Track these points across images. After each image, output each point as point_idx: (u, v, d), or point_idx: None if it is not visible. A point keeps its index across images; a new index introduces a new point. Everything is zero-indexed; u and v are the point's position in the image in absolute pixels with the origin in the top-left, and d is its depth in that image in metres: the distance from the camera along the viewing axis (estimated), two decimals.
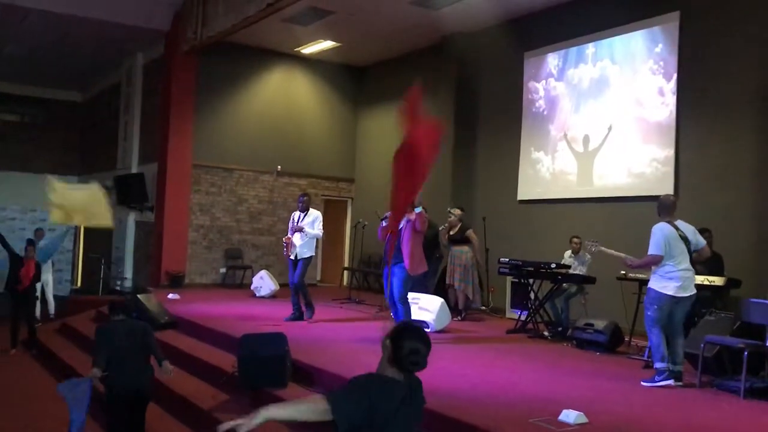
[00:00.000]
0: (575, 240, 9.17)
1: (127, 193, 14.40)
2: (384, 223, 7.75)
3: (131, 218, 14.84)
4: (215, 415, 5.80)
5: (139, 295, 9.42)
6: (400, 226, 7.59)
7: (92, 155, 17.99)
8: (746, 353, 5.69)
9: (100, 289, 13.97)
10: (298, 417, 2.64)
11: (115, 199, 14.15)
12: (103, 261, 14.26)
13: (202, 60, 13.41)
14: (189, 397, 6.21)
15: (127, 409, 5.13)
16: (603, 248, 7.08)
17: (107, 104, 16.86)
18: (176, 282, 12.88)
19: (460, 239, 9.95)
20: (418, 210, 7.54)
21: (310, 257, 9.11)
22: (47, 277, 12.30)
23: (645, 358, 7.03)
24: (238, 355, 6.12)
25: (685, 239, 6.12)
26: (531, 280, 9.13)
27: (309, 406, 2.60)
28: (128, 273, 14.80)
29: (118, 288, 14.23)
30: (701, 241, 6.28)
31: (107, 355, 5.06)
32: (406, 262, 7.47)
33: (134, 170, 14.76)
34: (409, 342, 2.67)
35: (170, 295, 10.94)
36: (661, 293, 6.04)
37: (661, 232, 6.09)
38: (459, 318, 9.81)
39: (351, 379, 2.68)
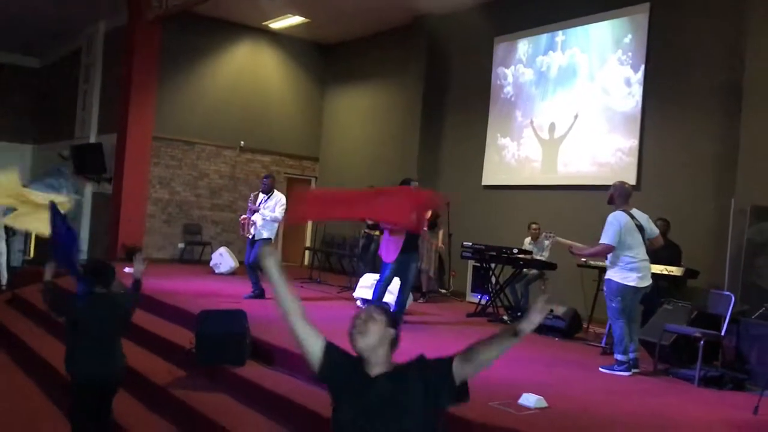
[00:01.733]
0: (534, 226, 9.25)
1: (84, 163, 14.03)
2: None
3: (88, 189, 14.47)
4: (171, 391, 5.69)
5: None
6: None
7: (48, 123, 17.46)
8: (702, 342, 5.78)
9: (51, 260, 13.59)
10: (287, 311, 2.69)
11: (72, 169, 13.78)
12: None
13: (167, 30, 13.05)
14: (144, 372, 6.07)
15: (93, 397, 4.39)
16: (559, 239, 7.11)
17: (66, 72, 16.35)
18: (133, 256, 12.57)
19: (432, 225, 9.97)
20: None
21: (268, 239, 8.97)
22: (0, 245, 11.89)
23: (603, 345, 7.12)
24: (195, 331, 6.00)
25: (640, 228, 6.11)
26: (493, 265, 9.16)
27: (306, 325, 2.66)
28: (84, 245, 14.44)
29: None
30: (654, 230, 6.31)
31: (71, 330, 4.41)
32: (381, 246, 7.56)
33: (92, 140, 14.37)
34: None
35: (126, 269, 10.67)
36: (623, 285, 6.03)
37: (617, 222, 6.03)
38: (422, 300, 9.83)
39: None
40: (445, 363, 2.57)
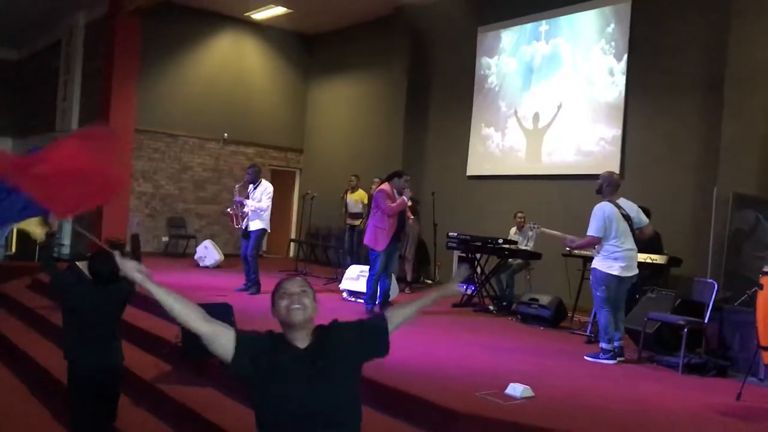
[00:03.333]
0: (519, 215, 9.28)
1: None
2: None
3: None
4: (158, 386, 5.67)
5: (77, 262, 9.10)
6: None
7: (28, 116, 17.23)
8: (686, 330, 5.84)
9: (36, 255, 13.47)
10: (184, 319, 2.53)
11: None
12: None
13: (148, 21, 12.92)
14: (130, 367, 6.01)
15: (94, 395, 4.22)
16: (544, 229, 7.14)
17: (46, 64, 16.13)
18: (117, 250, 12.48)
19: (413, 212, 10.00)
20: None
21: (261, 230, 8.91)
22: None
23: (588, 334, 7.18)
24: (181, 325, 5.96)
25: (627, 218, 6.16)
26: (478, 255, 9.19)
27: (210, 324, 2.50)
28: (66, 240, 14.31)
29: (55, 255, 13.76)
30: (644, 219, 6.36)
31: (70, 321, 4.25)
32: (366, 237, 7.73)
33: None
34: None
35: None
36: (607, 273, 6.08)
37: (602, 212, 6.08)
38: (408, 290, 9.86)
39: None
40: (381, 319, 2.73)
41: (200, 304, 6.27)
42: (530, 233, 8.86)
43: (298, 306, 2.50)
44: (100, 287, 4.27)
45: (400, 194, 7.79)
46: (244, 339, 2.49)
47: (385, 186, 7.94)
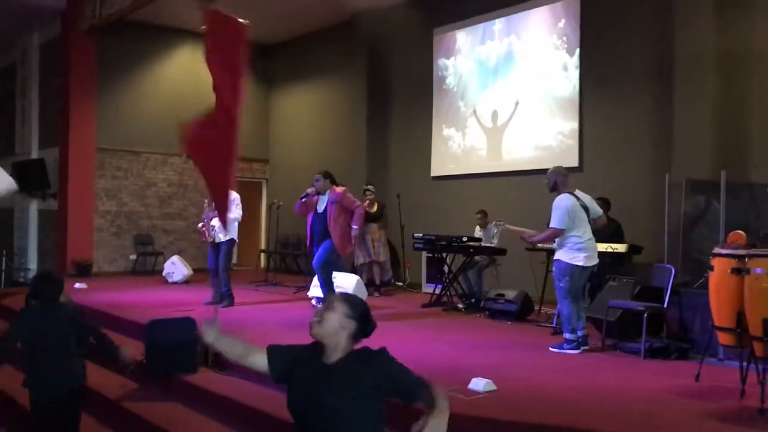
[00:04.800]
0: (478, 215, 9.36)
1: (27, 180, 13.69)
2: (304, 199, 7.83)
3: (33, 206, 14.15)
4: (124, 405, 5.63)
5: None
6: (323, 205, 7.79)
7: None
8: (646, 315, 5.95)
9: (2, 280, 13.32)
10: (239, 358, 2.84)
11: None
12: (4, 252, 13.58)
13: (104, 39, 12.84)
14: (96, 387, 5.97)
15: (54, 421, 4.18)
16: (508, 226, 7.20)
17: (1, 87, 15.93)
18: (84, 271, 12.40)
19: (379, 216, 10.05)
20: (340, 189, 7.79)
21: (231, 240, 8.89)
22: None
23: (554, 325, 7.26)
24: (145, 341, 5.94)
25: (585, 208, 6.28)
26: (445, 255, 9.26)
27: (252, 354, 2.80)
28: (32, 263, 14.14)
29: (21, 279, 13.58)
30: (598, 210, 6.47)
31: (24, 349, 4.24)
32: (335, 240, 7.62)
33: (34, 156, 14.06)
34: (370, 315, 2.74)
35: (77, 285, 10.51)
36: (571, 264, 6.16)
37: (564, 205, 6.16)
38: (377, 294, 9.88)
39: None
40: (422, 384, 2.61)
41: (163, 320, 6.24)
42: (494, 230, 8.94)
43: (317, 319, 2.67)
44: (46, 311, 4.27)
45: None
46: (272, 350, 2.77)
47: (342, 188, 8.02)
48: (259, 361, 2.76)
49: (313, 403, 2.57)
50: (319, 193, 7.92)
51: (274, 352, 2.76)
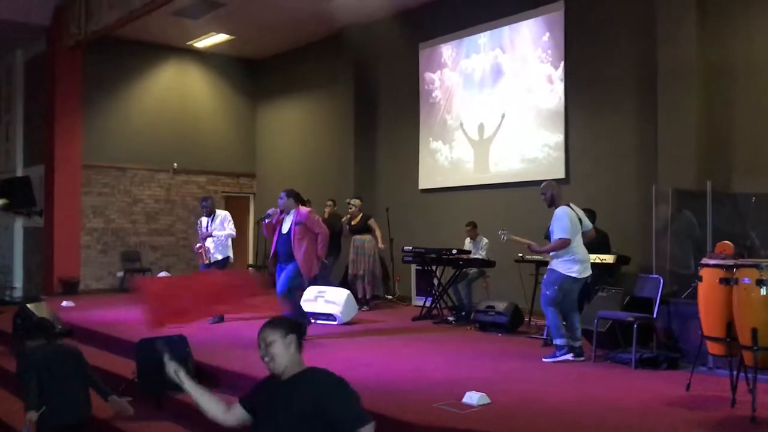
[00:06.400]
0: (467, 227, 9.38)
1: (12, 197, 13.58)
2: (266, 221, 7.65)
3: (18, 224, 14.04)
4: (116, 425, 5.58)
5: (28, 305, 8.90)
6: (288, 225, 7.45)
7: None
8: (636, 326, 5.99)
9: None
10: (214, 415, 3.05)
11: None
12: None
13: (89, 56, 12.81)
14: None
15: None
16: (513, 237, 7.20)
17: None
18: (71, 289, 12.30)
19: (363, 229, 10.04)
20: (306, 209, 7.55)
21: (226, 258, 8.87)
22: None
23: (544, 337, 7.28)
24: (136, 360, 5.90)
25: (579, 221, 6.35)
26: (434, 267, 9.28)
27: (229, 412, 3.02)
28: (18, 282, 14.01)
29: (7, 298, 13.44)
30: (588, 224, 6.52)
31: (39, 389, 4.41)
32: (300, 263, 7.32)
33: (19, 173, 13.97)
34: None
35: (64, 303, 10.44)
36: (564, 275, 6.21)
37: (566, 216, 6.20)
38: (366, 308, 9.86)
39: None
40: (363, 420, 2.82)
41: (153, 338, 6.20)
42: (504, 238, 8.86)
43: (267, 359, 2.86)
44: (50, 349, 4.58)
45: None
46: (245, 401, 3.00)
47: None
48: (241, 416, 2.98)
49: (271, 424, 2.81)
50: (283, 211, 7.50)
51: (246, 403, 2.99)
